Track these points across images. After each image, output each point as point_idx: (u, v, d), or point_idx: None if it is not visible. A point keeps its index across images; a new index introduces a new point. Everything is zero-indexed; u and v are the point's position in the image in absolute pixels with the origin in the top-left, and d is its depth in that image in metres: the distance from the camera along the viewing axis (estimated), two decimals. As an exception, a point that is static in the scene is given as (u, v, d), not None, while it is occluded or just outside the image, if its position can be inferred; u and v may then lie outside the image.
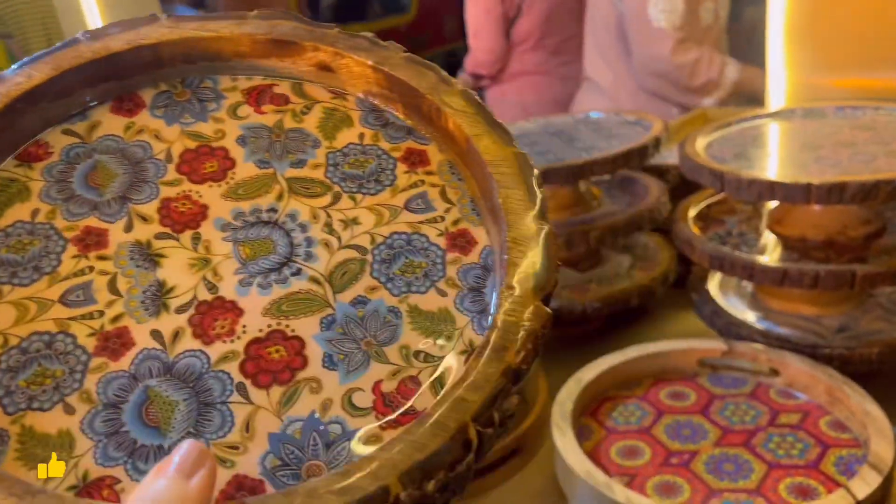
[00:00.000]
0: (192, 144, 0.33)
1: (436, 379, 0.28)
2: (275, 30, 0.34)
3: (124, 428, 0.26)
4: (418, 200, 0.33)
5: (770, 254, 0.74)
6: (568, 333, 0.92)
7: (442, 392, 0.28)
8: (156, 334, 0.28)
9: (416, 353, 0.29)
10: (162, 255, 0.30)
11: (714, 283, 0.83)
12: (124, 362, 0.28)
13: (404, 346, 0.29)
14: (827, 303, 0.75)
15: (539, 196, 0.31)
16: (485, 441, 0.25)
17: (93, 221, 0.30)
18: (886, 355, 0.68)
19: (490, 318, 0.29)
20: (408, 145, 0.34)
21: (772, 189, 0.66)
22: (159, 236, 0.30)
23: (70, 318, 0.28)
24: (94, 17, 1.72)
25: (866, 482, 0.53)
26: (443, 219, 0.32)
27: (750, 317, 0.77)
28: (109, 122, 0.33)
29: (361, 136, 0.34)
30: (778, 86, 0.99)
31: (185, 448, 0.23)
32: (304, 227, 0.31)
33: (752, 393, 0.69)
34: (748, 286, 0.82)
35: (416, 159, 0.34)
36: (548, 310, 0.28)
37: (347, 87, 0.35)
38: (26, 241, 0.30)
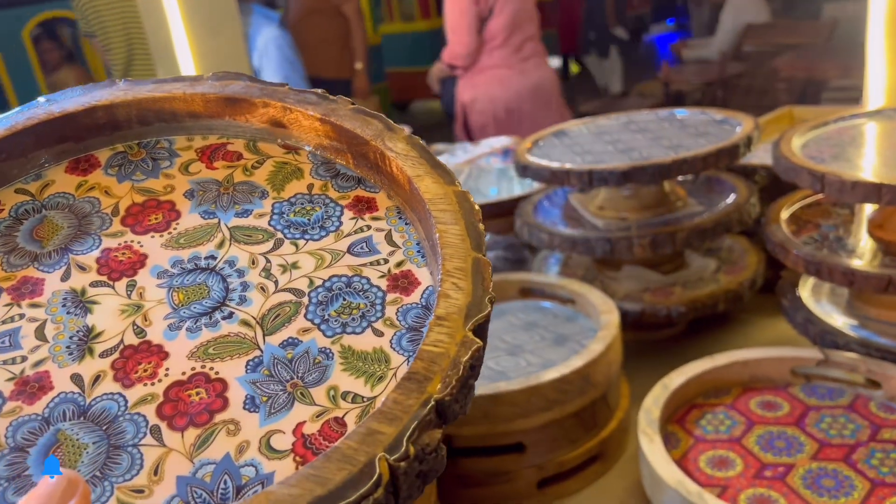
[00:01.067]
0: (139, 199, 0.34)
1: (362, 419, 0.27)
2: (226, 89, 0.35)
3: (27, 472, 0.26)
4: (362, 244, 0.33)
5: (870, 260, 0.71)
6: (649, 338, 0.90)
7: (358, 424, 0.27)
8: (76, 378, 0.28)
9: (345, 394, 0.28)
10: (94, 302, 0.30)
11: (806, 289, 0.80)
12: (39, 406, 0.27)
13: (333, 387, 0.28)
14: (932, 312, 0.71)
15: (478, 230, 0.31)
16: (399, 476, 0.24)
17: (30, 272, 0.31)
18: None
19: None
20: (356, 193, 0.35)
21: (878, 191, 0.62)
22: (95, 284, 0.31)
23: None
24: (175, 18, 1.77)
25: (984, 505, 0.50)
26: (386, 261, 0.32)
27: (846, 325, 0.73)
28: (62, 181, 0.34)
29: (311, 186, 0.35)
30: (877, 84, 0.94)
31: (54, 479, 0.22)
32: (241, 273, 0.31)
33: (850, 405, 0.66)
34: (843, 293, 0.79)
35: (363, 206, 0.34)
36: (478, 341, 0.27)
37: (300, 141, 0.36)
38: None
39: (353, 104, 0.35)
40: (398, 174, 0.33)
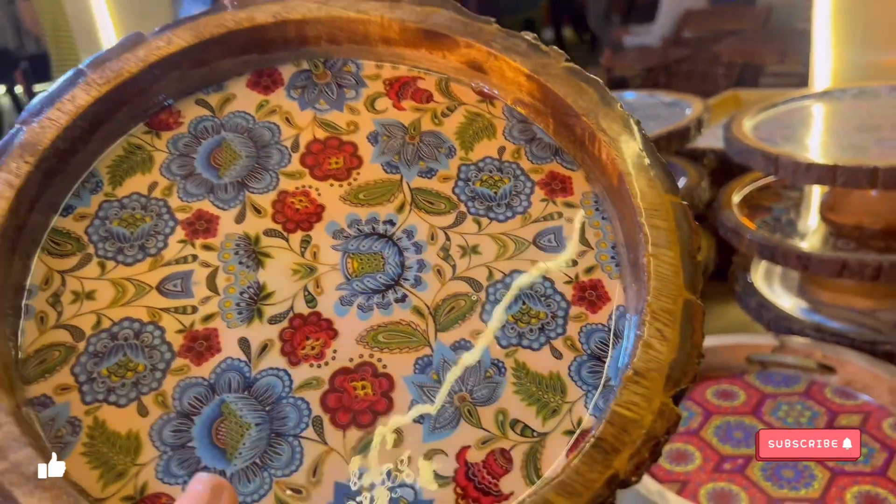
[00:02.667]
0: (321, 135, 0.31)
1: (530, 459, 0.24)
2: (428, 18, 0.31)
3: (191, 443, 0.24)
4: (550, 236, 0.29)
5: (822, 243, 0.70)
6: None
7: (532, 487, 0.24)
8: (243, 343, 0.26)
9: (514, 423, 0.25)
10: (267, 255, 0.28)
11: (758, 274, 0.79)
12: (206, 369, 0.25)
13: (502, 410, 0.25)
14: (883, 295, 0.70)
15: (695, 261, 0.26)
16: None
17: (206, 205, 0.29)
18: (951, 352, 0.64)
19: (608, 400, 0.25)
20: (551, 168, 0.30)
21: (833, 173, 0.61)
22: (269, 233, 0.28)
23: (163, 309, 0.26)
24: (104, 19, 1.68)
25: (946, 493, 0.48)
26: (575, 263, 0.28)
27: (799, 310, 0.72)
28: (244, 97, 0.31)
29: (502, 150, 0.31)
30: (823, 65, 0.94)
31: (197, 487, 0.21)
32: (419, 247, 0.28)
33: (806, 392, 0.64)
34: (794, 277, 0.78)
35: (557, 186, 0.30)
36: (677, 411, 0.23)
37: (498, 90, 0.32)
38: (138, 216, 0.28)
39: (567, 60, 0.30)
40: (608, 163, 0.28)
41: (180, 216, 0.28)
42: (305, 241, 0.28)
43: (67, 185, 0.28)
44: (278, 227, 0.28)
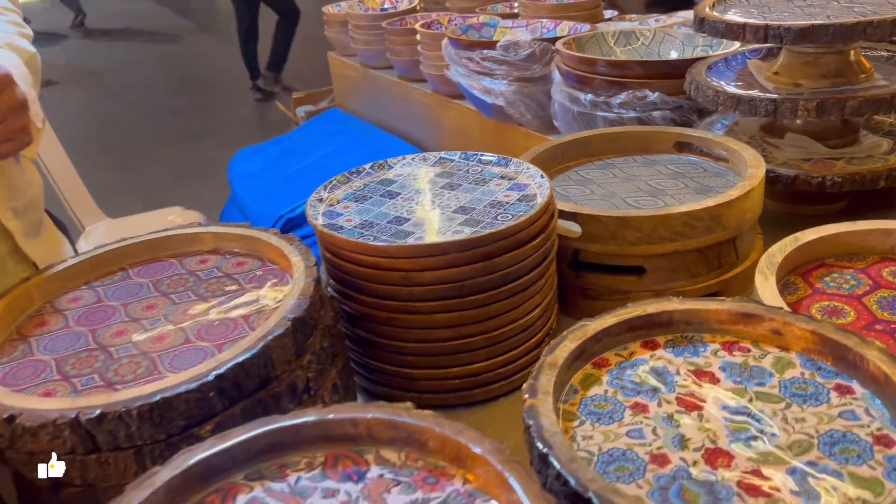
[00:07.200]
0: (691, 367, 0.52)
1: None
2: (743, 307, 0.53)
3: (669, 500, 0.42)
4: (848, 413, 0.47)
5: None
6: (808, 212, 0.89)
7: None
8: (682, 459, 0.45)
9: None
10: (678, 424, 0.48)
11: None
12: (667, 469, 0.44)
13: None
14: None
15: None
16: None
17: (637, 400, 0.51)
18: None
19: None
20: (836, 381, 0.49)
21: None
22: (678, 412, 0.49)
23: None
24: None
25: None
26: (868, 426, 0.46)
27: None
28: (640, 352, 0.54)
29: (802, 374, 0.50)
30: None
31: None
32: (769, 418, 0.47)
33: None
34: None
35: (843, 391, 0.49)
36: None
37: (791, 345, 0.52)
38: None
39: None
40: (875, 371, 0.47)
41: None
42: (700, 416, 0.48)
43: None
44: (682, 409, 0.49)
